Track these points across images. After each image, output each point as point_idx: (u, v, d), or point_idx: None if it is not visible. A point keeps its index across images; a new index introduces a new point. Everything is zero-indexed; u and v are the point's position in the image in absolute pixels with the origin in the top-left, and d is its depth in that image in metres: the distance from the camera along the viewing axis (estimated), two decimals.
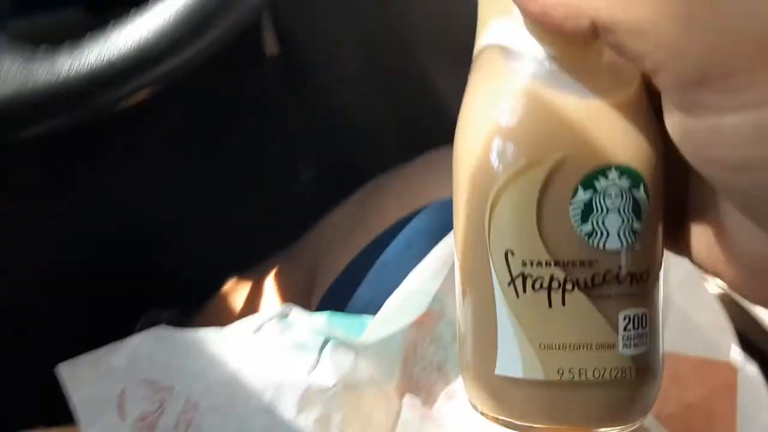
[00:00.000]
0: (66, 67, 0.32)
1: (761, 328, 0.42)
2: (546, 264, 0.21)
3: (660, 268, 0.22)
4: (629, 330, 0.21)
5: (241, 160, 0.70)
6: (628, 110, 0.21)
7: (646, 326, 0.21)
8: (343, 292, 0.42)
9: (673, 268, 0.34)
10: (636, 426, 0.23)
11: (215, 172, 0.70)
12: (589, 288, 0.20)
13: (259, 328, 0.35)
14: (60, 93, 0.32)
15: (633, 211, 0.21)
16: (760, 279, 0.20)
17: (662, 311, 0.23)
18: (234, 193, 0.71)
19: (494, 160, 0.21)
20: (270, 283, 0.57)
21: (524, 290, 0.21)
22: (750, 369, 0.32)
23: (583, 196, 0.20)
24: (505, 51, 0.21)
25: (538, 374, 0.21)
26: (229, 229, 0.70)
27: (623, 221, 0.21)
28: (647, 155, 0.21)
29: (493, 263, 0.21)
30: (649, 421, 0.33)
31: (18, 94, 0.32)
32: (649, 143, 0.21)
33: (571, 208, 0.20)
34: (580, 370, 0.21)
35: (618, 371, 0.21)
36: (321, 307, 0.42)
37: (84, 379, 0.33)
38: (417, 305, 0.36)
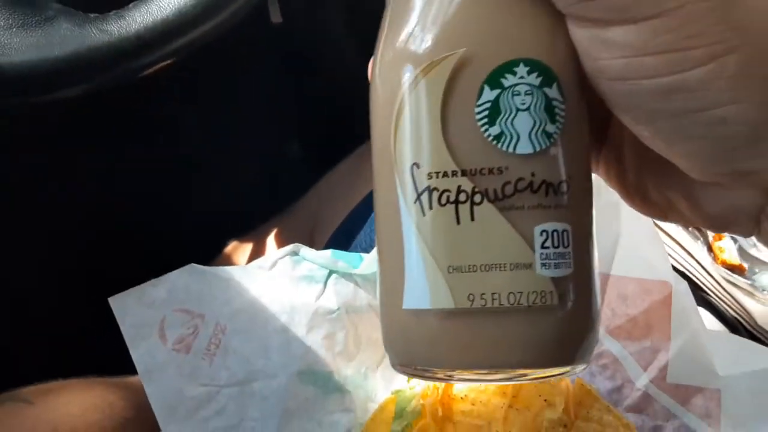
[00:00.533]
0: (116, 30, 0.37)
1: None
2: (453, 174, 0.18)
3: (586, 180, 0.20)
4: (548, 247, 0.18)
5: (238, 130, 0.72)
6: (538, 3, 0.19)
7: (568, 245, 0.19)
8: (345, 236, 0.48)
9: (623, 211, 0.40)
10: (568, 373, 0.20)
11: (213, 141, 0.72)
12: (499, 199, 0.18)
13: (273, 265, 0.41)
14: (111, 52, 0.37)
15: (546, 111, 0.18)
16: (645, 195, 0.22)
17: (594, 234, 0.20)
18: (232, 161, 0.73)
19: (398, 67, 0.19)
20: (271, 240, 0.61)
21: (430, 206, 0.18)
22: (681, 285, 0.38)
23: (489, 95, 0.18)
24: None
25: (447, 303, 0.18)
26: (227, 196, 0.73)
27: (535, 123, 0.18)
28: (560, 50, 0.19)
29: (399, 182, 0.19)
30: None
31: (75, 53, 0.37)
32: (563, 39, 0.19)
33: (477, 109, 0.18)
34: (493, 295, 0.18)
35: (537, 296, 0.18)
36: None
37: (131, 309, 0.38)
38: None
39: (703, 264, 0.51)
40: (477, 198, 0.18)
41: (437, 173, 0.18)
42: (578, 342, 0.20)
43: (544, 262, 0.18)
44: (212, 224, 0.66)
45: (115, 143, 0.70)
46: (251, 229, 0.66)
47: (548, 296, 0.18)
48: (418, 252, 0.19)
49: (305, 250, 0.41)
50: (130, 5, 0.39)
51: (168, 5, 0.38)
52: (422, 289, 0.19)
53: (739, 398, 0.37)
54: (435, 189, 0.18)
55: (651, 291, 0.38)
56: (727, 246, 0.54)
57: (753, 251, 0.54)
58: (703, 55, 0.17)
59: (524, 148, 0.18)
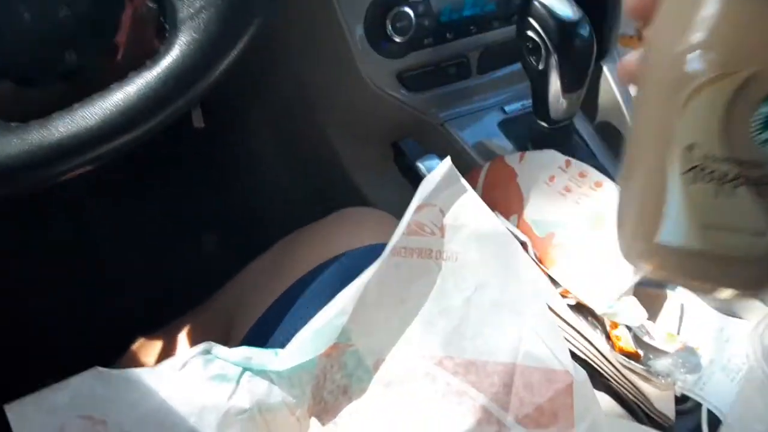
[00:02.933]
0: (37, 139, 0.37)
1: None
2: (723, 160, 0.24)
3: None
4: None
5: (154, 226, 0.73)
6: None
7: None
8: (262, 333, 0.47)
9: (528, 308, 0.43)
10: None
11: (123, 232, 0.72)
12: (756, 185, 0.24)
13: (184, 365, 0.40)
14: (31, 161, 0.37)
15: None
16: None
17: None
18: (144, 254, 0.73)
19: (691, 66, 0.24)
20: (184, 337, 0.60)
21: (700, 179, 0.24)
22: (580, 374, 0.40)
23: (766, 109, 0.23)
24: None
25: (697, 246, 0.25)
26: (137, 290, 0.72)
27: None
28: None
29: (676, 152, 0.24)
30: (509, 421, 0.41)
31: None
32: None
33: (754, 117, 0.23)
34: (733, 248, 0.25)
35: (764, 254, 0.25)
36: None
37: (29, 417, 0.36)
38: (327, 338, 0.41)
39: (602, 351, 0.54)
40: (739, 181, 0.24)
41: (711, 156, 0.24)
42: None
43: None
44: (119, 320, 0.64)
45: (19, 229, 0.68)
46: (162, 325, 0.64)
47: None
48: (680, 205, 0.25)
49: (217, 349, 0.41)
50: (54, 114, 0.38)
51: (92, 115, 0.38)
52: (678, 233, 0.25)
53: None
54: (706, 167, 0.24)
55: (554, 380, 0.40)
56: (623, 334, 0.57)
57: (646, 338, 0.58)
58: None
59: None
